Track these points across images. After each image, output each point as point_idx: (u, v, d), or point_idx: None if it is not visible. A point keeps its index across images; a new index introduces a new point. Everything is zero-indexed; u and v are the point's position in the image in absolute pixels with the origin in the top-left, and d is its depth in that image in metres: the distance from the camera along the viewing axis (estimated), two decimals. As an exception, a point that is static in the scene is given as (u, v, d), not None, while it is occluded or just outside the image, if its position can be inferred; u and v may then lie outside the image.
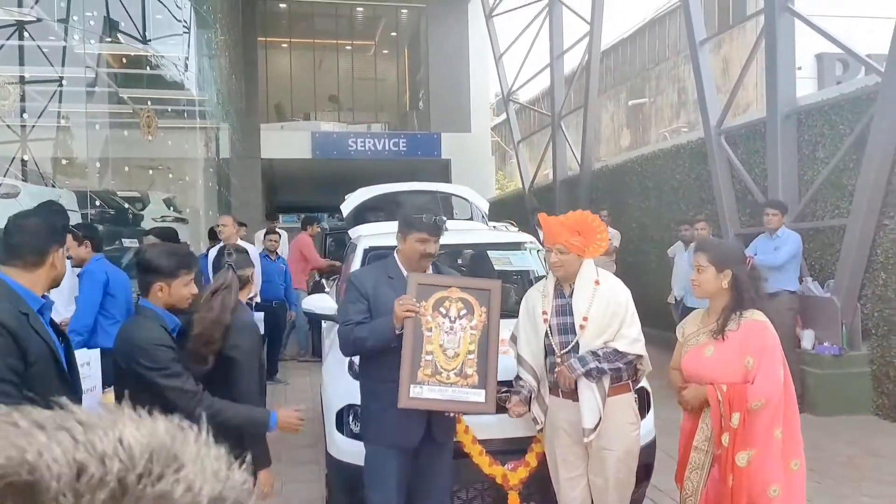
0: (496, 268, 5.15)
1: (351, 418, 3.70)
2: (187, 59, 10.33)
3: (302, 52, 21.37)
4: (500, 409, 3.65)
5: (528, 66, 15.07)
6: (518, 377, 3.38)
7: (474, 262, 5.42)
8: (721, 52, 16.45)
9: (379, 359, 3.12)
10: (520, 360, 3.37)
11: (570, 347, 3.16)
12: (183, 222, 9.99)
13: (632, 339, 3.15)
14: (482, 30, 16.98)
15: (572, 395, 3.18)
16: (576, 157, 12.48)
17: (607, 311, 3.17)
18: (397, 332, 3.01)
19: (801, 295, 6.56)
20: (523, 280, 5.62)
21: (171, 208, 10.19)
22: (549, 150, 13.57)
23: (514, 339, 3.44)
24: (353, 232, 6.46)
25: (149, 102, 8.50)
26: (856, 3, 13.93)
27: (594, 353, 3.10)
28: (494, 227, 7.29)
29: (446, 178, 17.10)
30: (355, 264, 5.00)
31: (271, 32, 19.95)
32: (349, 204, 6.97)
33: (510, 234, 6.43)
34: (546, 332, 3.23)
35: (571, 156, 13.03)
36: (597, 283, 3.24)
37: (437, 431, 3.20)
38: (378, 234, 5.56)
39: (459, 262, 5.74)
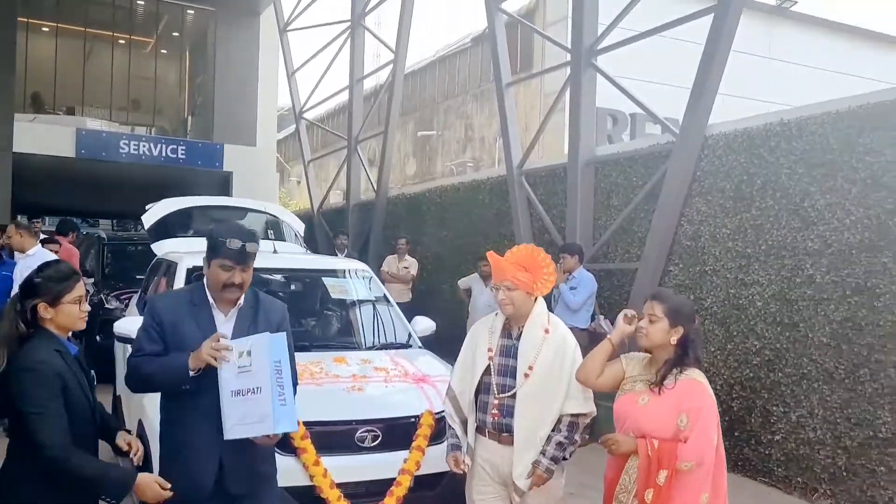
0: (332, 295, 4.92)
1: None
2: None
3: (70, 40, 19.11)
4: (358, 449, 3.47)
5: (322, 85, 14.88)
6: (449, 426, 3.25)
7: (308, 288, 5.13)
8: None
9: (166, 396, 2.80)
10: (449, 391, 3.25)
11: (509, 394, 3.09)
12: None
13: (584, 397, 3.14)
14: (274, 42, 16.48)
15: (497, 436, 3.12)
16: (371, 181, 12.49)
17: (555, 363, 3.12)
18: (192, 373, 2.65)
19: (591, 332, 7.09)
20: (346, 308, 5.43)
21: None
22: (343, 172, 13.45)
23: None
24: (160, 247, 5.83)
25: None
26: (652, 69, 15.58)
27: (559, 444, 3.07)
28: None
29: (226, 192, 16.21)
30: (178, 285, 4.48)
31: (34, 12, 17.62)
32: (152, 216, 6.30)
33: (343, 260, 6.21)
34: (487, 369, 3.13)
35: (365, 180, 13.02)
36: (546, 331, 3.18)
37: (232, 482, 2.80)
38: (197, 252, 5.05)
39: (293, 287, 5.39)
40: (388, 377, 4.12)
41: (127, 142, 15.69)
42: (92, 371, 2.73)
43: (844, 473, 5.30)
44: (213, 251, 2.77)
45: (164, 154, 16.09)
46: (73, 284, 2.60)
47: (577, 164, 7.68)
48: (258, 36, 17.67)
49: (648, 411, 2.81)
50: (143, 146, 15.76)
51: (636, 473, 2.77)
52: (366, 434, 3.43)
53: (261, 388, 2.61)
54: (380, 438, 3.43)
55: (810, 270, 5.62)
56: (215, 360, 2.61)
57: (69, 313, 2.59)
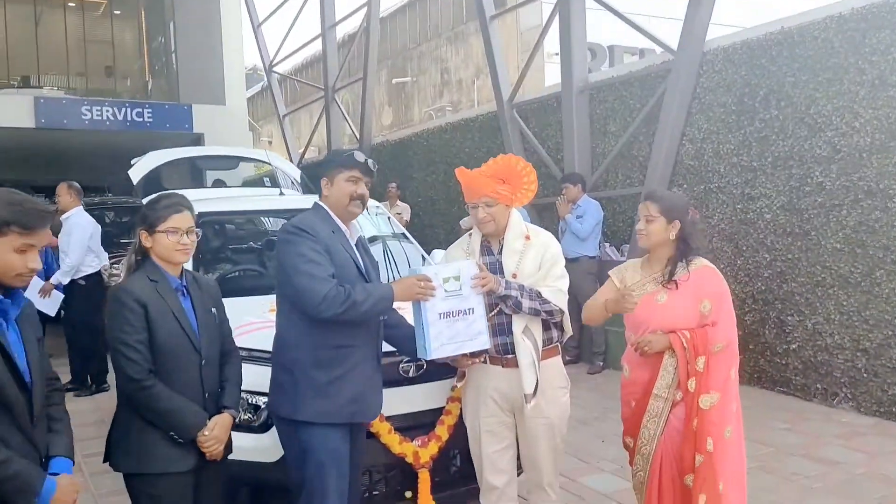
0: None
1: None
2: None
3: (17, 7, 18.22)
4: (406, 381, 3.37)
5: (290, 37, 14.42)
6: None
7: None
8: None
9: (336, 324, 2.67)
10: None
11: (497, 309, 2.96)
12: None
13: (557, 288, 3.03)
14: (235, -5, 15.88)
15: (501, 361, 2.99)
16: (353, 130, 12.21)
17: (537, 265, 3.02)
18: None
19: (599, 260, 7.05)
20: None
21: None
22: (322, 125, 13.12)
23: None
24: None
25: None
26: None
27: (520, 286, 2.94)
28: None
29: (199, 154, 15.77)
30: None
31: (-24, -21, 16.77)
32: (139, 170, 6.06)
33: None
34: None
35: (346, 130, 12.74)
36: (527, 238, 3.07)
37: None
38: (203, 199, 4.85)
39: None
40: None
41: (89, 107, 15.06)
42: (213, 310, 2.65)
43: (865, 375, 5.36)
44: (340, 165, 2.81)
45: (129, 118, 15.51)
46: (169, 214, 2.52)
47: (572, 92, 7.54)
48: (218, -10, 17.00)
49: (670, 307, 2.85)
50: (107, 111, 15.16)
51: (674, 368, 2.81)
52: (409, 364, 3.34)
53: (473, 309, 2.82)
54: (424, 368, 3.33)
55: (820, 178, 5.59)
56: (424, 297, 2.73)
57: (164, 244, 2.51)
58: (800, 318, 5.79)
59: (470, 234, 3.17)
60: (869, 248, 5.29)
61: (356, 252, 2.86)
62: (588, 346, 7.21)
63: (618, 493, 4.08)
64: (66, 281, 6.58)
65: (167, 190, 5.94)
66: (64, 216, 6.69)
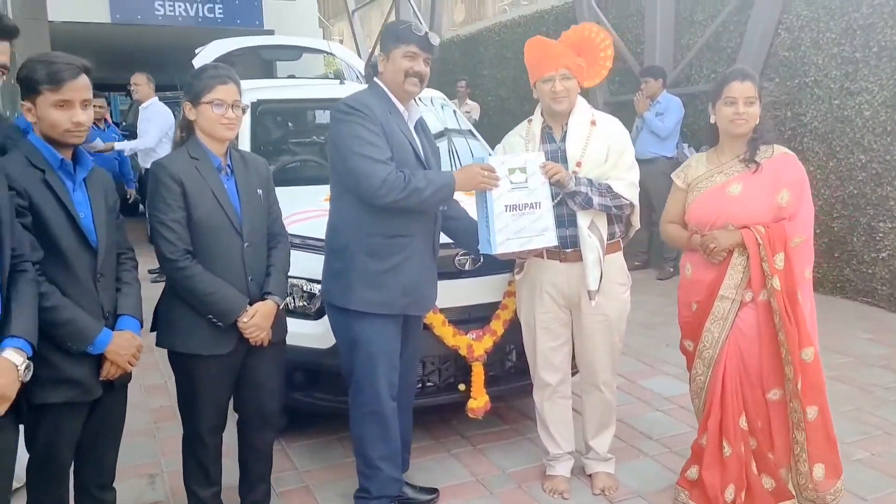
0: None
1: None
2: None
3: None
4: (461, 274, 3.25)
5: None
6: None
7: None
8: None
9: (391, 212, 2.54)
10: None
11: (559, 199, 2.76)
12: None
13: (629, 181, 2.81)
14: None
15: (559, 255, 2.82)
16: (422, 23, 11.78)
17: (604, 154, 2.79)
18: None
19: (676, 160, 6.66)
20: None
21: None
22: (391, 19, 12.70)
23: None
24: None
25: None
26: None
27: (589, 180, 2.73)
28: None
29: (270, 52, 15.65)
30: (245, 124, 4.20)
31: None
32: (203, 58, 5.98)
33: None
34: None
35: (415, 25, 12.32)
36: (593, 122, 2.83)
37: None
38: (264, 87, 4.75)
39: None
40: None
41: (162, 3, 15.09)
42: (259, 191, 2.52)
43: (961, 287, 4.97)
44: (396, 39, 2.60)
45: (201, 14, 15.48)
46: (214, 84, 2.38)
47: (649, -21, 6.96)
48: None
49: (744, 198, 2.58)
50: (179, 6, 15.15)
51: (743, 266, 2.57)
52: (466, 257, 3.21)
53: (540, 203, 2.62)
54: (480, 261, 3.20)
55: (930, 71, 5.04)
56: (489, 186, 2.56)
57: (208, 116, 2.38)
58: (892, 224, 5.36)
59: (530, 121, 2.94)
60: (981, 149, 4.79)
61: (414, 135, 2.69)
62: (658, 251, 6.94)
63: (679, 396, 3.94)
64: (126, 151, 6.98)
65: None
66: (143, 105, 6.97)
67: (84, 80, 2.02)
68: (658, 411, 3.87)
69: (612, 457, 3.13)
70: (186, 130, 2.47)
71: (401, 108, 2.66)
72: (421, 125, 2.79)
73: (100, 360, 2.06)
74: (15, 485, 2.26)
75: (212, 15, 15.69)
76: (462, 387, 3.27)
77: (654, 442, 3.50)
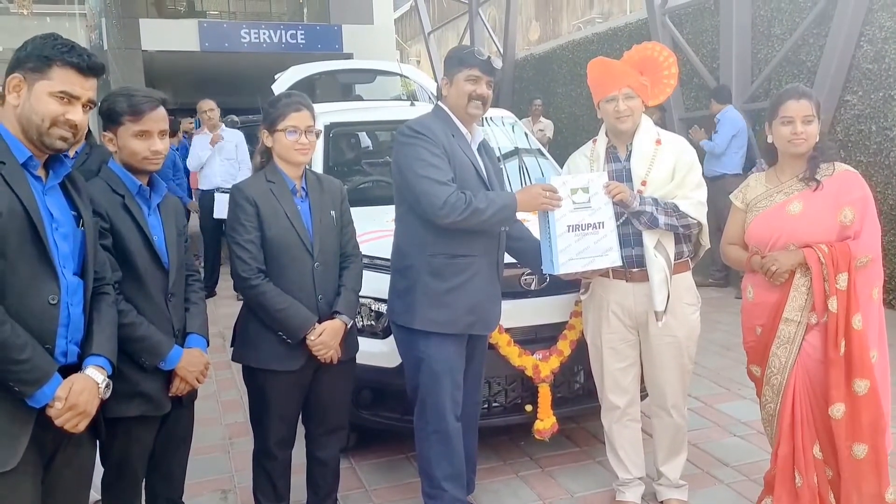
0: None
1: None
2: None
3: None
4: (525, 294, 3.26)
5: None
6: None
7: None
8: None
9: (454, 232, 2.59)
10: None
11: (624, 218, 2.74)
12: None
13: (696, 200, 2.76)
14: None
15: (625, 275, 2.79)
16: (497, 46, 11.88)
17: (669, 173, 2.76)
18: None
19: (745, 178, 6.47)
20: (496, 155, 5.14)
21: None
22: (465, 41, 12.86)
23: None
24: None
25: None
26: None
27: (654, 200, 2.70)
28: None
29: (348, 75, 16.07)
30: (318, 143, 4.34)
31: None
32: (282, 84, 6.21)
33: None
34: None
35: (490, 45, 12.43)
36: (658, 142, 2.80)
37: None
38: (337, 110, 4.89)
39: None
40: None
41: (248, 31, 15.76)
42: (332, 212, 2.61)
43: None
44: (459, 63, 2.66)
45: (283, 40, 16.09)
46: (288, 112, 2.50)
47: (731, -8, 6.81)
48: None
49: (805, 217, 2.50)
50: (264, 34, 15.79)
51: (807, 288, 2.49)
52: (531, 277, 3.21)
53: (603, 223, 2.64)
54: (546, 281, 3.20)
55: None
56: (550, 206, 2.59)
57: (283, 143, 2.51)
58: None
59: (594, 141, 2.93)
60: None
61: (477, 157, 2.73)
62: (737, 270, 6.73)
63: (757, 421, 3.75)
64: (192, 166, 7.30)
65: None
66: (221, 130, 7.29)
67: (161, 112, 2.15)
68: (735, 436, 3.75)
69: (684, 483, 3.05)
70: (265, 156, 2.59)
71: (464, 130, 2.71)
72: (484, 146, 2.83)
73: (169, 377, 2.17)
74: (93, 496, 2.37)
75: (294, 41, 16.28)
76: (529, 408, 3.25)
77: (731, 469, 3.39)
